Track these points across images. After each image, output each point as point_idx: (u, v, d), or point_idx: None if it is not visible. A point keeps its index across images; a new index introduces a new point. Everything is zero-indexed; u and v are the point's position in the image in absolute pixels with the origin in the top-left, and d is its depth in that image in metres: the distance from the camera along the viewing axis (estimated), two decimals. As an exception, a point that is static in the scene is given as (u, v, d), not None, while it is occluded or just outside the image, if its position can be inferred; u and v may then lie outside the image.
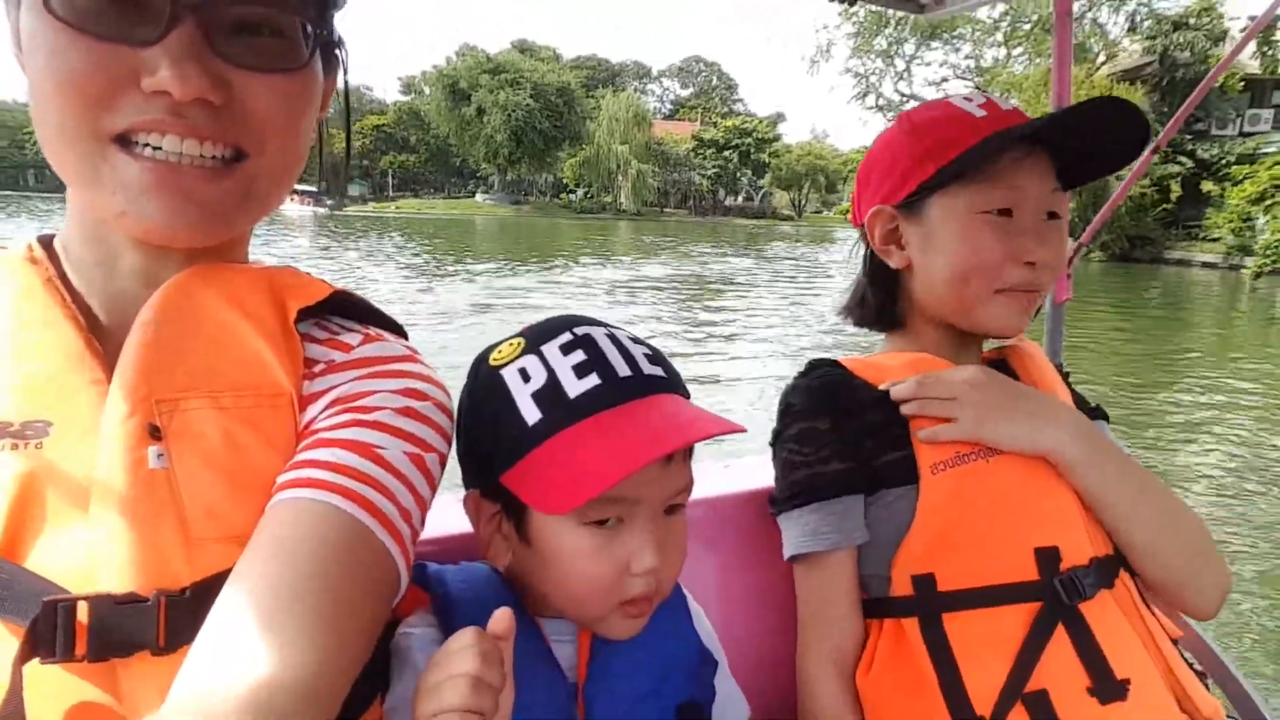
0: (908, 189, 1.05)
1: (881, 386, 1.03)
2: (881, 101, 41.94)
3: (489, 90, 65.13)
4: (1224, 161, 26.72)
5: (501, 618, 0.64)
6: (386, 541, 0.64)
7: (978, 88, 33.29)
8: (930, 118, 1.06)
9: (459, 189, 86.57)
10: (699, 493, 0.98)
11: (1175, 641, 1.01)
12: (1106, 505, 0.97)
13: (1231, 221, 24.10)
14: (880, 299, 1.14)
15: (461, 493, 0.84)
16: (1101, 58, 31.07)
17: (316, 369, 0.71)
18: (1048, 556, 0.94)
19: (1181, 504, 1.01)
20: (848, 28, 39.62)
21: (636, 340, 0.81)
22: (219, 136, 0.65)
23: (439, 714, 0.60)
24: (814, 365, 1.11)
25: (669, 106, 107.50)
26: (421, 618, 0.79)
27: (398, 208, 69.73)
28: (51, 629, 0.56)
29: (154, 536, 0.60)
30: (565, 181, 73.44)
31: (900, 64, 39.51)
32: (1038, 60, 32.32)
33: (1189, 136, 28.31)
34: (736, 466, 1.32)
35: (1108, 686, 0.90)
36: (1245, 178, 23.95)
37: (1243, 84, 27.09)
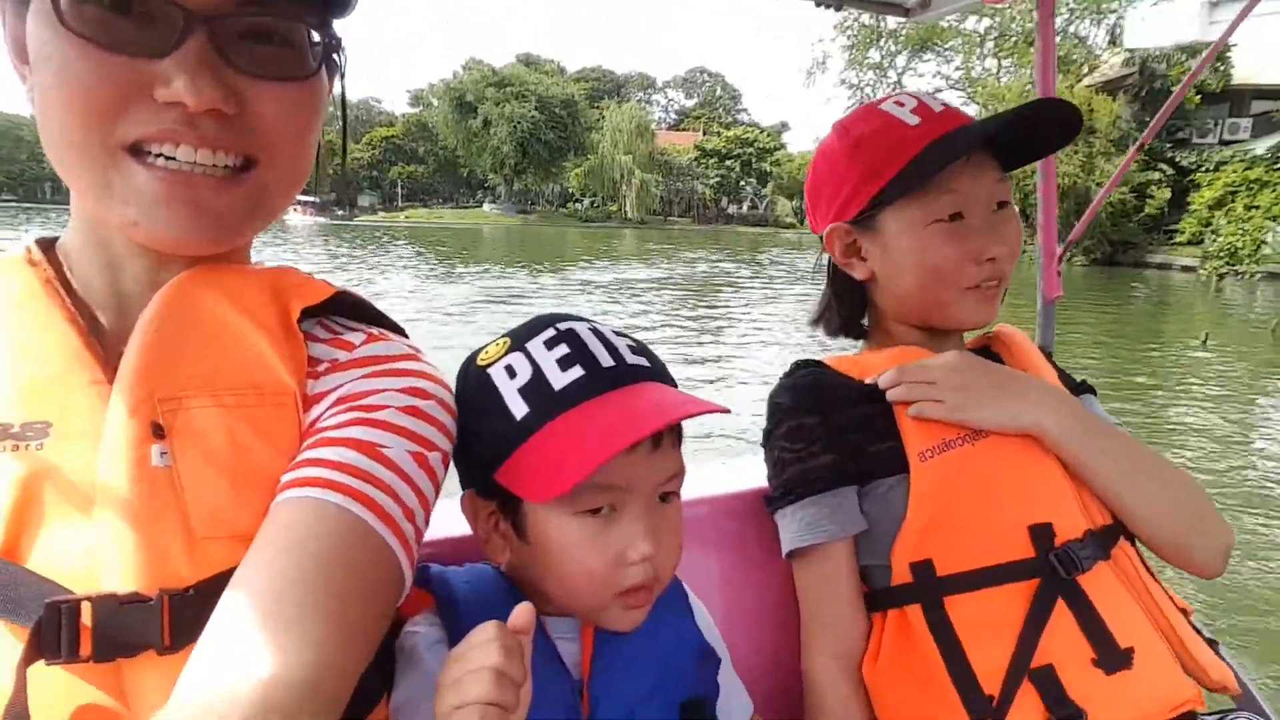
0: (857, 206, 1.07)
1: (868, 380, 1.05)
2: (877, 112, 42.93)
3: (495, 103, 66.60)
4: (1201, 169, 27.60)
5: (523, 612, 0.64)
6: (390, 540, 0.64)
7: (970, 97, 34.22)
8: (867, 131, 1.07)
9: (467, 199, 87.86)
10: (700, 491, 1.07)
11: (1185, 613, 1.01)
12: (1096, 476, 0.98)
13: (1192, 226, 24.92)
14: (849, 310, 1.18)
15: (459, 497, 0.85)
16: (1085, 69, 32.00)
17: (320, 368, 0.72)
18: (1041, 533, 0.95)
19: (1172, 467, 1.02)
20: (843, 40, 40.71)
21: (620, 333, 0.83)
22: (231, 146, 0.65)
23: (462, 707, 0.59)
24: (799, 365, 1.13)
25: (674, 117, 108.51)
26: (426, 618, 0.80)
27: (407, 217, 71.12)
28: (56, 630, 0.56)
29: (157, 535, 0.60)
30: (571, 191, 74.74)
31: (893, 75, 40.51)
32: (1023, 70, 33.27)
33: (1169, 145, 29.16)
34: (736, 464, 1.33)
35: (1112, 656, 0.91)
36: (1208, 184, 24.88)
37: (1200, 97, 28.00)
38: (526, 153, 68.26)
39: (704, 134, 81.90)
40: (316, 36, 0.69)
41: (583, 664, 0.80)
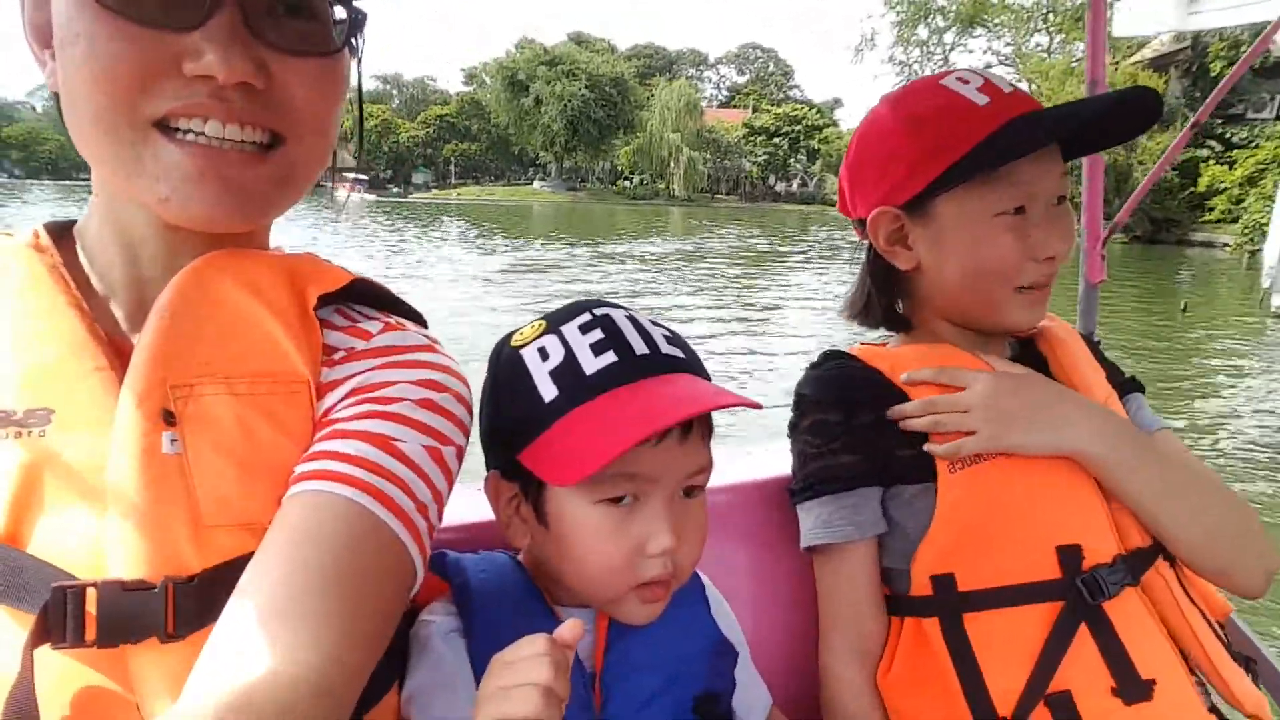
0: (913, 189, 0.99)
1: (903, 377, 1.01)
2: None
3: (546, 81, 67.73)
4: (1253, 145, 27.25)
5: (573, 627, 0.63)
6: (402, 535, 0.64)
7: (1021, 74, 33.97)
8: (931, 107, 0.98)
9: (518, 176, 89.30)
10: (723, 480, 1.08)
11: (1222, 626, 0.99)
12: (1134, 496, 0.95)
13: (1223, 204, 24.82)
14: (888, 300, 1.10)
15: (481, 481, 0.85)
16: (1136, 44, 31.67)
17: (336, 356, 0.71)
18: (1070, 555, 0.92)
19: (1219, 486, 0.98)
20: (892, 16, 40.65)
21: (656, 323, 0.82)
22: (259, 120, 0.65)
23: None
24: (827, 356, 1.09)
25: (725, 93, 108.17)
26: (442, 606, 0.80)
27: (459, 195, 73.04)
28: (62, 614, 0.57)
29: (165, 523, 0.60)
30: (621, 169, 75.63)
31: (939, 53, 40.35)
32: (1070, 47, 32.97)
33: (1219, 121, 28.76)
34: (760, 454, 1.31)
35: (1132, 687, 0.88)
36: (1241, 161, 24.67)
37: (1253, 70, 27.58)
38: (576, 131, 69.29)
39: (753, 111, 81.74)
40: (341, 13, 0.70)
41: (596, 656, 0.79)
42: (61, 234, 0.73)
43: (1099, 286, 1.74)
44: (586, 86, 67.67)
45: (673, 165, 67.43)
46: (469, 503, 0.90)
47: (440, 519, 0.71)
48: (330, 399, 0.69)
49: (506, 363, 0.81)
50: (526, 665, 0.60)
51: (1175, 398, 7.47)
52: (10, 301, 0.66)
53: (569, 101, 67.36)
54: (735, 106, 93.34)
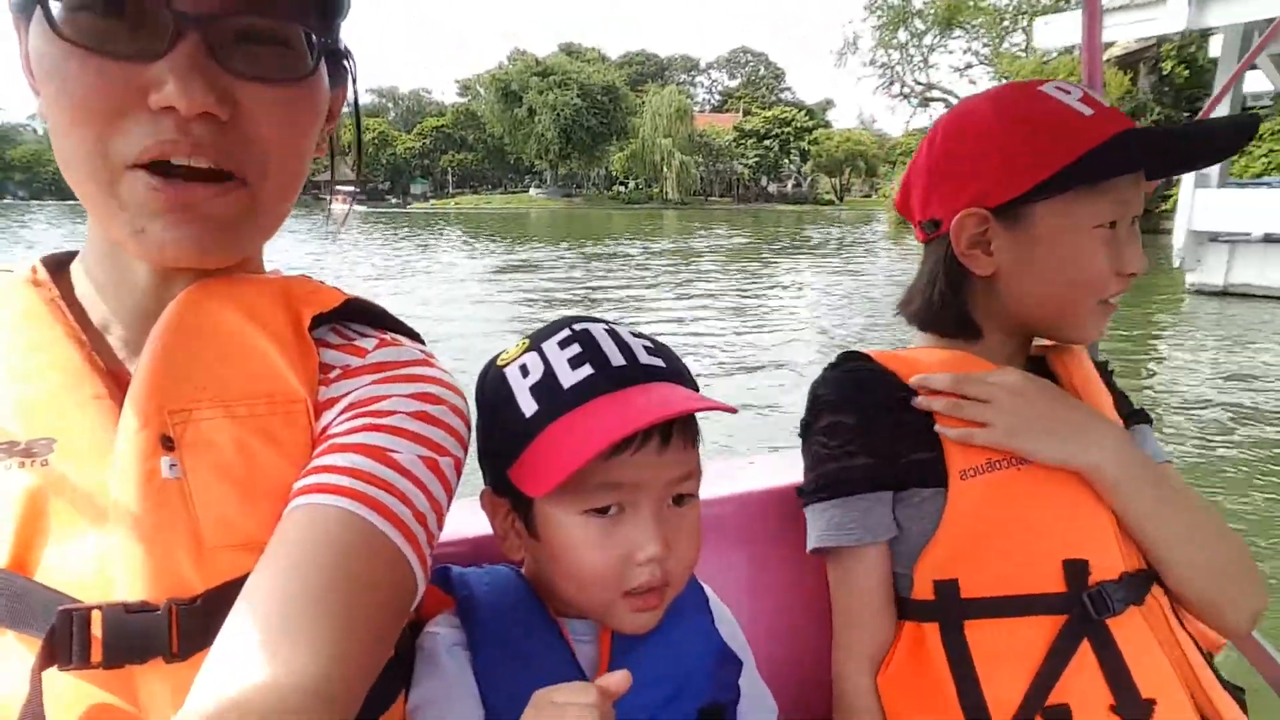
0: (1013, 192, 0.96)
1: (913, 380, 1.00)
2: (905, 90, 44.02)
3: (538, 92, 69.33)
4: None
5: (622, 680, 0.62)
6: (401, 545, 0.64)
7: (998, 74, 35.07)
8: (1038, 110, 0.96)
9: (515, 184, 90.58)
10: (726, 489, 1.11)
11: (1210, 657, 0.99)
12: (1138, 523, 0.94)
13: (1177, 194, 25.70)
14: (960, 306, 1.05)
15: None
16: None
17: (332, 375, 0.72)
18: (1076, 569, 0.91)
19: (1219, 523, 0.98)
20: (874, 20, 41.76)
21: (639, 335, 0.82)
22: (221, 160, 0.64)
23: None
24: (845, 357, 1.08)
25: (717, 97, 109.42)
26: (446, 619, 0.80)
27: (457, 204, 74.41)
28: (68, 638, 0.58)
29: (166, 546, 0.61)
30: (615, 175, 76.89)
31: (918, 56, 41.47)
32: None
33: (1187, 114, 29.75)
34: (762, 462, 1.30)
35: (1133, 706, 0.87)
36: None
37: (1216, 64, 28.63)
38: (570, 139, 70.73)
39: (744, 115, 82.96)
40: (315, 37, 0.68)
41: (600, 667, 0.80)
42: (59, 267, 0.75)
43: None
44: (578, 95, 69.17)
45: (665, 170, 68.69)
46: (473, 517, 0.93)
47: (440, 530, 0.71)
48: (327, 417, 0.70)
49: (491, 382, 0.83)
50: (576, 713, 0.60)
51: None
52: (9, 335, 0.68)
53: (561, 111, 68.87)
54: (728, 110, 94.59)
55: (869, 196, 79.68)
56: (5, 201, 77.36)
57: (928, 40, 41.13)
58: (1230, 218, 12.10)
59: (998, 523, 0.94)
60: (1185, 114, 29.76)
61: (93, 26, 0.60)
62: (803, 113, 79.62)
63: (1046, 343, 1.10)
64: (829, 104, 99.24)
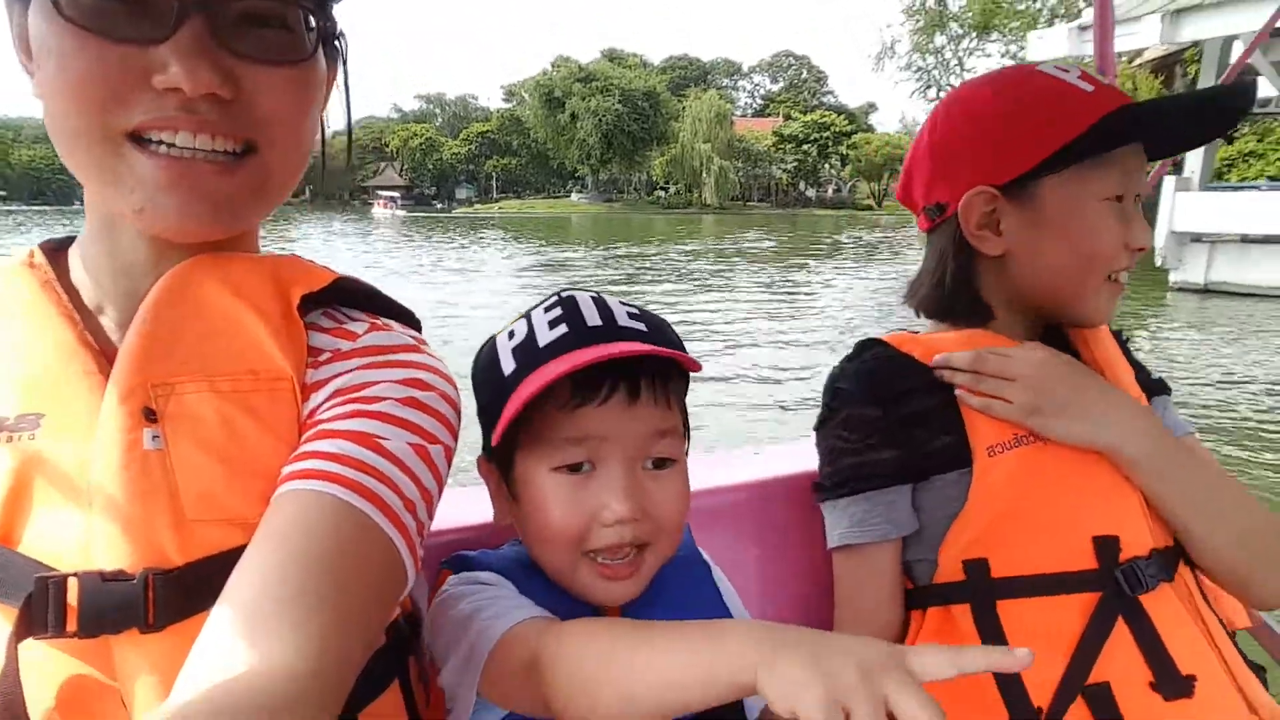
0: (1020, 168, 0.96)
1: (935, 359, 0.99)
2: (941, 95, 44.40)
3: (581, 98, 71.04)
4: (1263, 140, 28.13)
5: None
6: (390, 532, 0.64)
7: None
8: (1038, 89, 0.96)
9: (557, 189, 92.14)
10: (735, 478, 1.10)
11: (1233, 635, 0.97)
12: (1164, 500, 0.93)
13: None
14: (972, 289, 1.04)
15: (485, 486, 0.87)
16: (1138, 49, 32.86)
17: (322, 358, 0.72)
18: (1107, 546, 0.90)
19: (1245, 495, 0.97)
20: (910, 25, 42.26)
21: (626, 303, 0.82)
22: (229, 131, 0.65)
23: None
24: (863, 346, 1.06)
25: (759, 102, 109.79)
26: (457, 579, 0.80)
27: (500, 208, 76.39)
28: (44, 606, 0.58)
29: (146, 516, 0.61)
30: (656, 179, 78.16)
31: (954, 60, 41.87)
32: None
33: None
34: (770, 452, 1.30)
35: (1172, 682, 0.86)
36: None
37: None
38: (611, 144, 72.23)
39: (784, 119, 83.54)
40: (314, 20, 0.69)
41: None
42: (56, 251, 0.75)
43: None
44: (619, 101, 70.58)
45: (704, 175, 69.64)
46: (479, 504, 0.92)
47: (431, 518, 0.71)
48: (316, 399, 0.69)
49: (484, 351, 0.84)
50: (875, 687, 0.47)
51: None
52: (3, 318, 0.69)
53: (603, 116, 70.39)
54: (769, 115, 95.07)
55: (909, 200, 79.31)
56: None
57: (964, 44, 41.50)
58: (1208, 219, 12.93)
59: (1026, 499, 0.93)
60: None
61: (95, 7, 0.61)
62: (842, 117, 79.78)
63: None
64: (871, 107, 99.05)
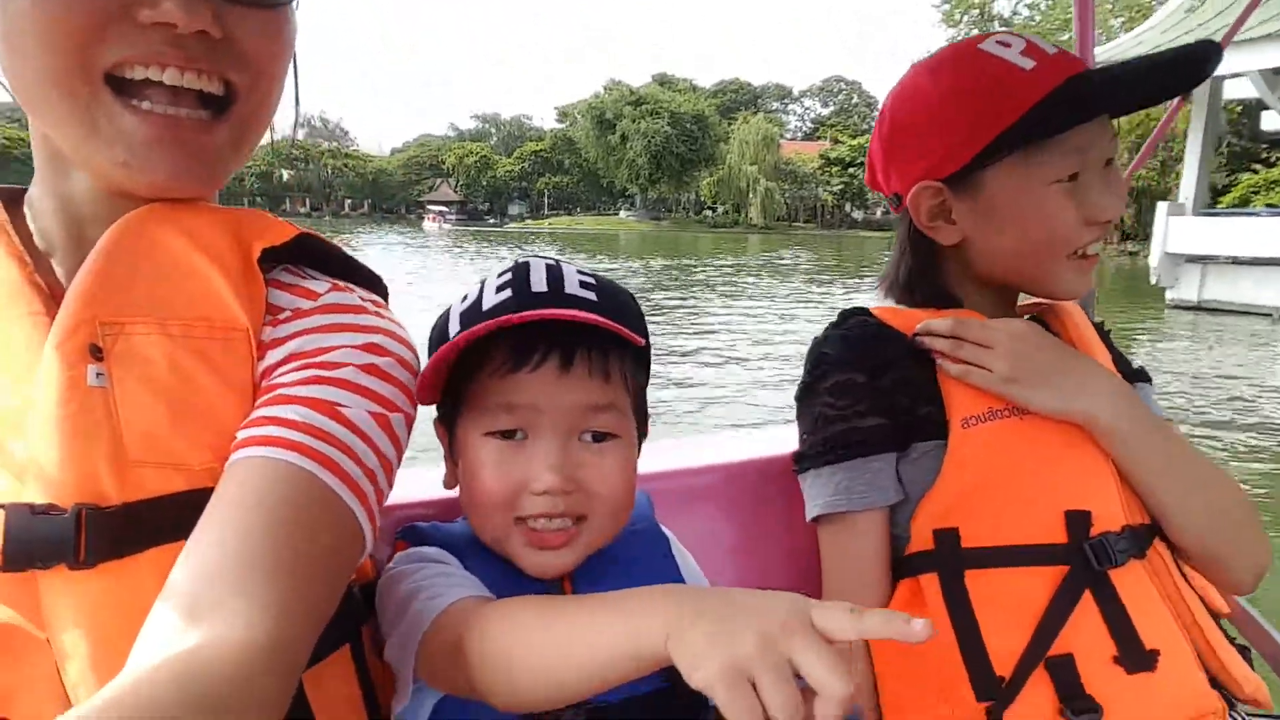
0: (958, 162, 0.95)
1: (918, 326, 0.99)
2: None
3: (631, 120, 73.05)
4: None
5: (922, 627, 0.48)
6: (349, 500, 0.63)
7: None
8: (974, 75, 0.94)
9: (607, 207, 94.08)
10: (714, 459, 1.11)
11: (1217, 618, 0.97)
12: (1139, 473, 0.93)
13: None
14: (931, 277, 1.05)
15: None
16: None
17: (281, 316, 0.71)
18: (1078, 520, 0.91)
19: (1221, 475, 0.96)
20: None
21: (584, 272, 0.80)
22: (215, 69, 0.65)
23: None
24: (847, 315, 1.05)
25: (809, 125, 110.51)
26: (404, 557, 0.80)
27: (550, 224, 78.86)
28: None
29: (84, 453, 0.59)
30: (704, 199, 79.65)
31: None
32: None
33: (1265, 145, 29.79)
34: (745, 435, 1.31)
35: (1135, 656, 0.87)
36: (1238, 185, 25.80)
37: None
38: (660, 164, 73.92)
39: (832, 144, 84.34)
40: None
41: None
42: (13, 198, 0.74)
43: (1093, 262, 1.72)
44: (669, 123, 72.29)
45: (751, 195, 70.80)
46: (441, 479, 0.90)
47: (390, 487, 0.71)
48: (272, 357, 0.68)
49: (440, 316, 0.83)
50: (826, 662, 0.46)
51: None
52: None
53: (652, 138, 72.16)
54: (818, 138, 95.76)
55: (958, 224, 79.10)
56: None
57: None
58: (1199, 242, 13.96)
59: (999, 471, 0.93)
60: (1263, 144, 29.77)
61: None
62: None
63: (1033, 300, 1.08)
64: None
